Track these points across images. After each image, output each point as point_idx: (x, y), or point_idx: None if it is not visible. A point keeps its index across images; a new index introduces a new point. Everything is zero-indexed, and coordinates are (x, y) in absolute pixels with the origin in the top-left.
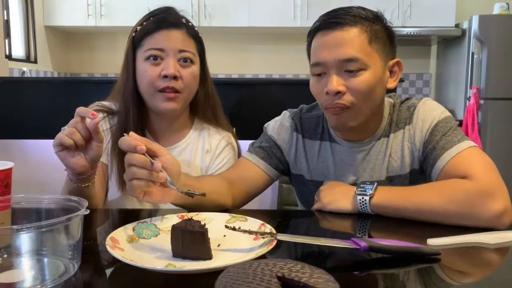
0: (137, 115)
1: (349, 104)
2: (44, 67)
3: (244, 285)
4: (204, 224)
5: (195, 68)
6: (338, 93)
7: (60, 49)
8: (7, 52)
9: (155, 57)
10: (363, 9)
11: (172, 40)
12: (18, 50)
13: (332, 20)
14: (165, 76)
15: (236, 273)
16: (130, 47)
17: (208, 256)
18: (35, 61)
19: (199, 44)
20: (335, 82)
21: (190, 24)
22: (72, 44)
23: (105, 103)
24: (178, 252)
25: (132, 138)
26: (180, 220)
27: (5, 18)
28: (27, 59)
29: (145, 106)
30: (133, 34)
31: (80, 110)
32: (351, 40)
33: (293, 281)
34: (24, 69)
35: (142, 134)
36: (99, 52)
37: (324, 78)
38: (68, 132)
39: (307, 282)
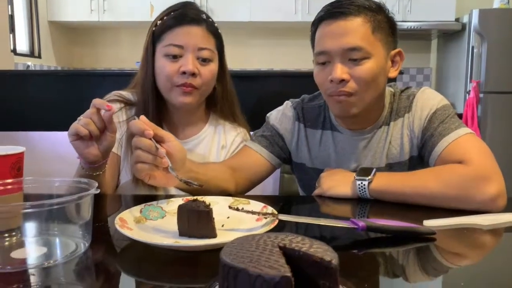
0: (155, 108)
1: (353, 91)
2: (48, 62)
3: (248, 253)
4: (209, 204)
5: (214, 66)
6: (342, 81)
7: (63, 44)
8: (12, 47)
9: (175, 56)
10: (366, 0)
11: (192, 36)
12: (22, 45)
13: (336, 10)
14: (184, 73)
15: (240, 244)
16: (150, 41)
17: (213, 235)
18: (39, 56)
19: (218, 39)
20: (340, 71)
21: (210, 20)
22: (76, 39)
23: (123, 93)
24: (184, 231)
25: (141, 122)
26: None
27: (10, 13)
28: (31, 54)
29: (163, 99)
30: (153, 29)
31: (96, 101)
32: (355, 30)
33: (293, 250)
34: (29, 63)
35: (160, 126)
36: (102, 47)
37: (329, 67)
38: (84, 123)
39: (307, 251)
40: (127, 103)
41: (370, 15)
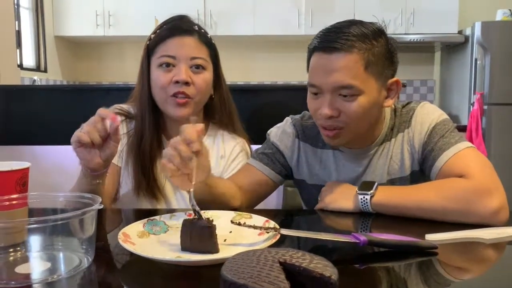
0: (153, 121)
1: (343, 125)
2: (54, 76)
3: (248, 269)
4: (212, 220)
5: (207, 74)
6: (332, 117)
7: (69, 58)
8: (19, 62)
9: (168, 64)
10: (364, 27)
11: (184, 47)
12: (29, 60)
13: (329, 45)
14: (177, 82)
15: (241, 259)
16: (145, 55)
17: (215, 250)
18: (45, 70)
19: (212, 50)
20: (328, 107)
21: (202, 30)
22: (81, 54)
23: (124, 106)
24: (187, 246)
25: (194, 132)
26: (188, 217)
27: (17, 29)
28: (38, 69)
29: (161, 112)
30: (148, 42)
31: (102, 111)
32: (346, 67)
33: (293, 265)
34: (35, 78)
35: (158, 139)
36: (107, 61)
37: (320, 98)
38: (87, 131)
39: (306, 267)
40: (128, 116)
41: (364, 49)
